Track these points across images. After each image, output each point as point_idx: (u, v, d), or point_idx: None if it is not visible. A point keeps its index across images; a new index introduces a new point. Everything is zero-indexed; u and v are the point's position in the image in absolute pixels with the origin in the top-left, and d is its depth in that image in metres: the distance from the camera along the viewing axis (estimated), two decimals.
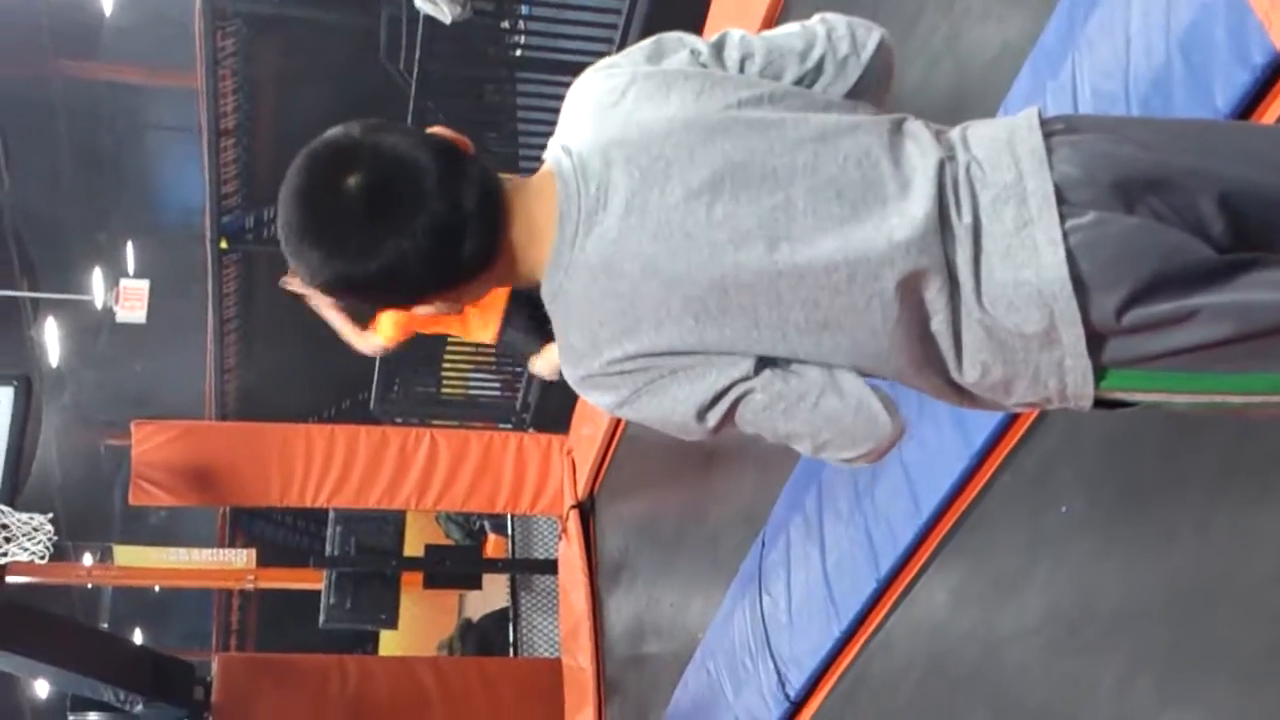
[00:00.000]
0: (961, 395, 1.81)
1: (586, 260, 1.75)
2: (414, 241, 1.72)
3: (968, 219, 1.72)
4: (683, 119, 1.78)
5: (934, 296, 1.71)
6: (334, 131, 1.77)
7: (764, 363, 1.74)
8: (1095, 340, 1.69)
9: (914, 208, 1.72)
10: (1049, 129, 1.77)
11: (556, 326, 1.81)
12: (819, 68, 1.88)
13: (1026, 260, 1.69)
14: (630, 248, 1.73)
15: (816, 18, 1.93)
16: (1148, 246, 1.67)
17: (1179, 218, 1.70)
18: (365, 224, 1.72)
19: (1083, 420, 3.69)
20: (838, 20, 1.91)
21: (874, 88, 1.90)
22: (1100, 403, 1.76)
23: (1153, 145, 1.77)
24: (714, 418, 1.77)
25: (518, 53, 10.93)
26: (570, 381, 1.84)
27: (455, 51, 10.09)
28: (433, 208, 1.72)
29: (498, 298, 6.85)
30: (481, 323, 7.09)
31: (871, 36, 1.90)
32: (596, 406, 1.86)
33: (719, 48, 1.89)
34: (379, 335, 7.28)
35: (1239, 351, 1.67)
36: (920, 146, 1.78)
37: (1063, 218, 1.69)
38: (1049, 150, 1.74)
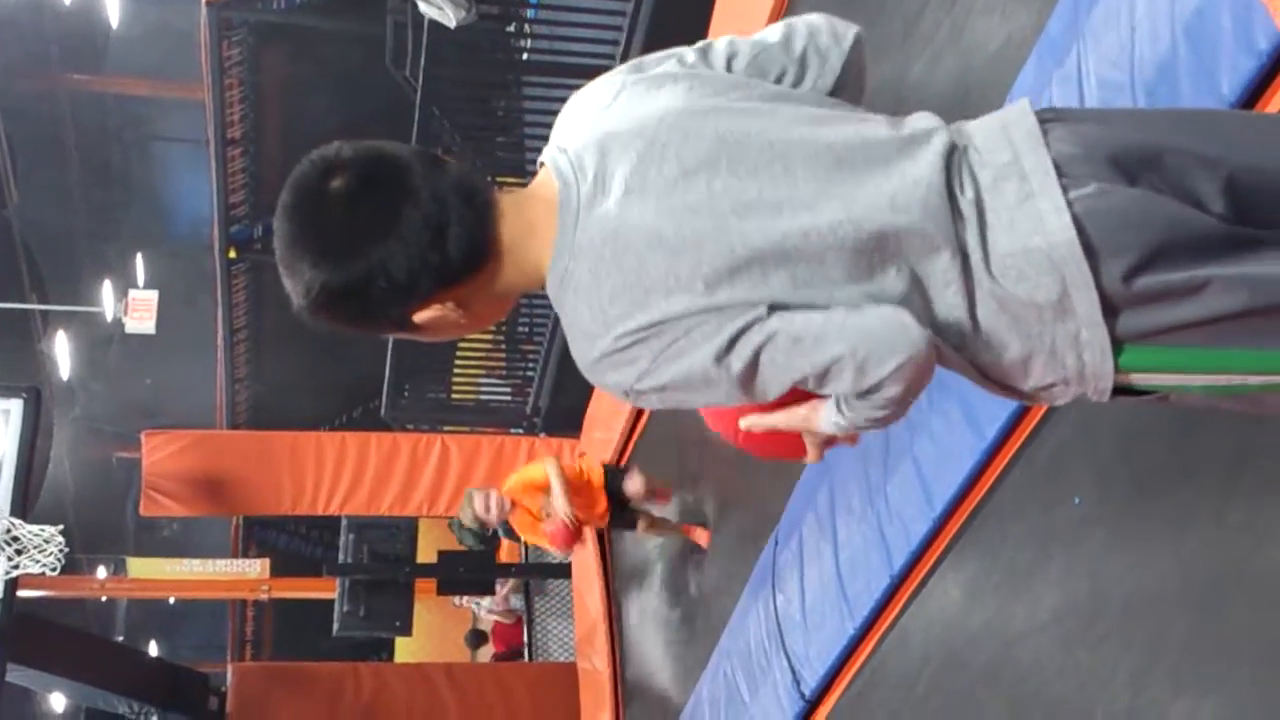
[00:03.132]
0: (983, 376, 1.80)
1: (590, 240, 1.73)
2: (399, 238, 1.71)
3: (970, 194, 1.72)
4: (675, 108, 1.80)
5: (945, 266, 1.70)
6: (321, 148, 1.78)
7: (778, 306, 1.70)
8: (1109, 311, 1.67)
9: (917, 169, 1.72)
10: (1042, 117, 1.78)
11: (567, 316, 1.78)
12: (803, 61, 1.91)
13: (1032, 229, 1.68)
14: (633, 222, 1.72)
15: (795, 18, 1.97)
16: (1153, 214, 1.66)
17: (1176, 194, 1.69)
18: (349, 223, 1.73)
19: (1094, 412, 3.68)
20: (815, 17, 1.96)
21: (851, 85, 1.93)
22: (1120, 391, 1.74)
23: (1148, 128, 1.78)
24: (736, 362, 1.69)
25: (523, 57, 10.94)
26: (586, 369, 1.80)
27: (461, 57, 10.10)
28: (416, 200, 1.72)
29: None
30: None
31: (849, 31, 1.95)
32: (615, 392, 1.80)
33: (705, 51, 1.92)
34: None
35: (1254, 326, 1.65)
36: (927, 122, 1.80)
37: (1064, 189, 1.68)
38: (1044, 133, 1.74)
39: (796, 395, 1.84)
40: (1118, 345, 1.69)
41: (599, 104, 1.86)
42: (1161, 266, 1.64)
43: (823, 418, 1.82)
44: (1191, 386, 1.73)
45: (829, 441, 1.95)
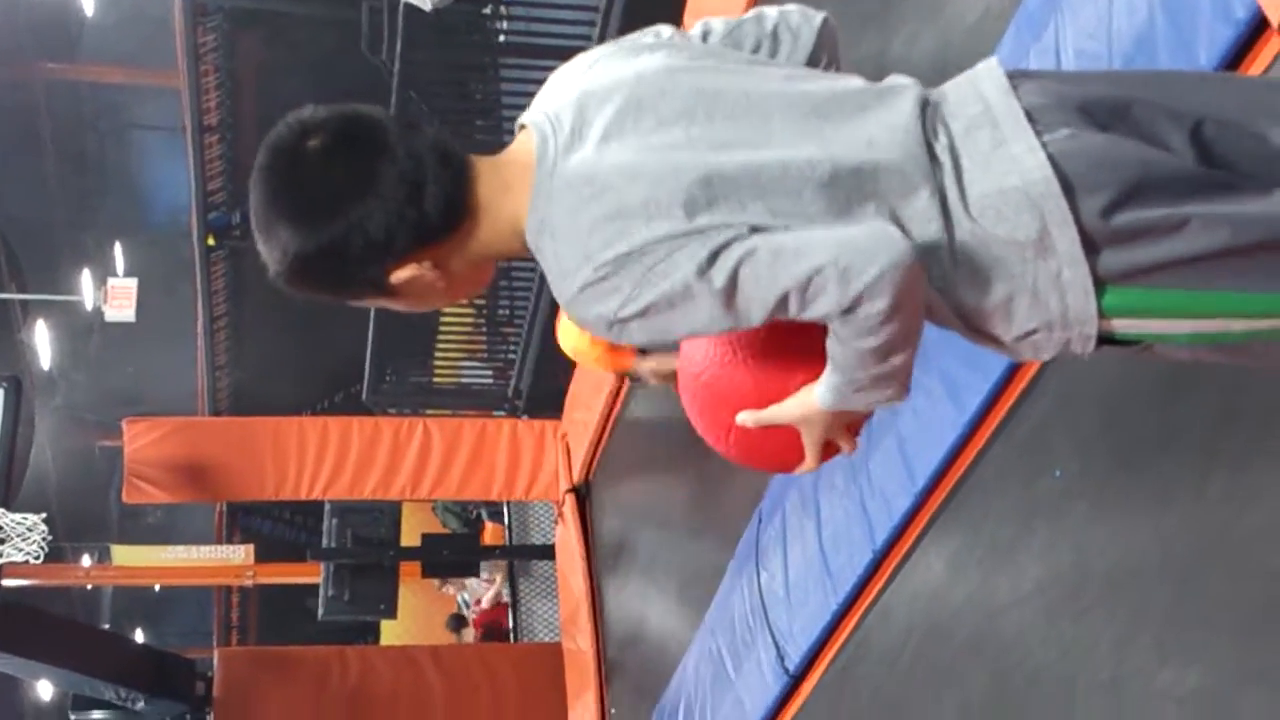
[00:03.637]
0: (967, 324, 1.80)
1: (567, 180, 1.74)
2: (377, 195, 1.72)
3: (944, 141, 1.74)
4: (652, 68, 1.83)
5: (925, 205, 1.71)
6: (296, 111, 1.79)
7: (759, 229, 1.70)
8: (1090, 249, 1.68)
9: (892, 116, 1.75)
10: (1010, 75, 1.80)
11: (547, 260, 1.78)
12: (775, 36, 1.95)
13: (1008, 169, 1.69)
14: (610, 160, 1.73)
15: (766, 6, 2.02)
16: (1127, 155, 1.68)
17: (1146, 142, 1.71)
18: (326, 181, 1.73)
19: (1074, 384, 3.69)
20: (788, 4, 2.01)
21: (825, 63, 1.97)
22: (1105, 342, 1.75)
23: (1115, 85, 1.81)
24: (718, 276, 1.67)
25: (500, 39, 10.92)
26: (568, 305, 1.78)
27: (437, 40, 10.08)
28: (392, 158, 1.73)
29: None
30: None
31: (818, 15, 1.99)
32: (599, 326, 1.78)
33: (680, 31, 1.95)
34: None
35: (1236, 266, 1.66)
36: (899, 80, 1.83)
37: (1038, 134, 1.70)
38: (1014, 87, 1.77)
39: (786, 381, 1.83)
40: (1100, 286, 1.69)
41: (578, 71, 1.88)
42: (1140, 203, 1.65)
43: (819, 390, 1.81)
44: (1176, 336, 1.73)
45: (828, 448, 1.93)
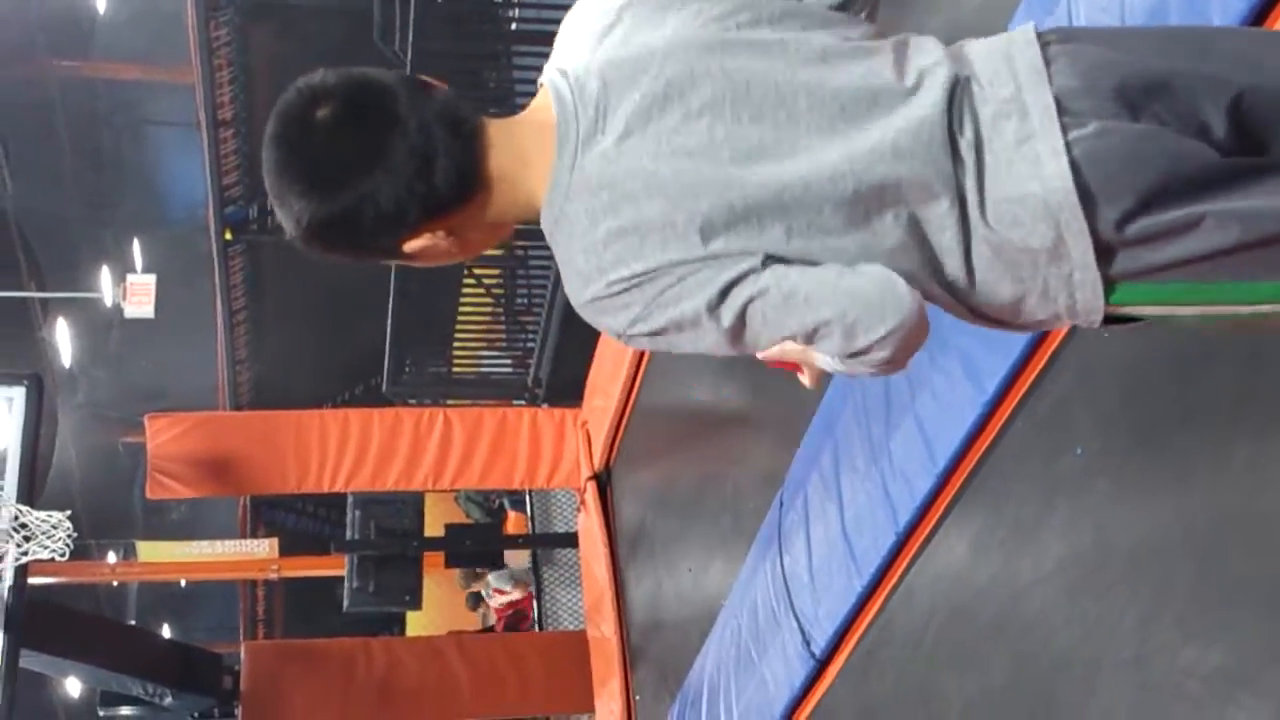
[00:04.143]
0: (974, 314, 1.80)
1: (586, 181, 1.73)
2: (386, 169, 1.70)
3: (970, 134, 1.71)
4: (681, 39, 1.77)
5: (943, 213, 1.70)
6: (306, 76, 1.77)
7: (773, 258, 1.70)
8: (1103, 253, 1.67)
9: (920, 110, 1.72)
10: (1045, 40, 1.77)
11: (561, 255, 1.77)
12: None
13: (1030, 173, 1.67)
14: (631, 166, 1.72)
15: None
16: (1153, 153, 1.66)
17: (1182, 123, 1.69)
18: (335, 154, 1.72)
19: (1093, 361, 3.68)
20: None
21: (859, 2, 1.91)
22: (1109, 320, 1.74)
23: (1151, 51, 1.77)
24: (727, 315, 1.70)
25: (512, 27, 10.89)
26: (578, 306, 1.79)
27: (449, 30, 10.06)
28: (403, 130, 1.71)
29: None
30: None
31: None
32: (608, 332, 1.80)
33: None
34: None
35: (1245, 260, 1.65)
36: (931, 57, 1.78)
37: (1065, 129, 1.68)
38: (1047, 62, 1.73)
39: None
40: (1110, 284, 1.69)
41: (603, 22, 1.83)
42: (1157, 208, 1.64)
43: (818, 356, 1.81)
44: (1183, 316, 1.73)
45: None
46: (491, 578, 14.37)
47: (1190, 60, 1.73)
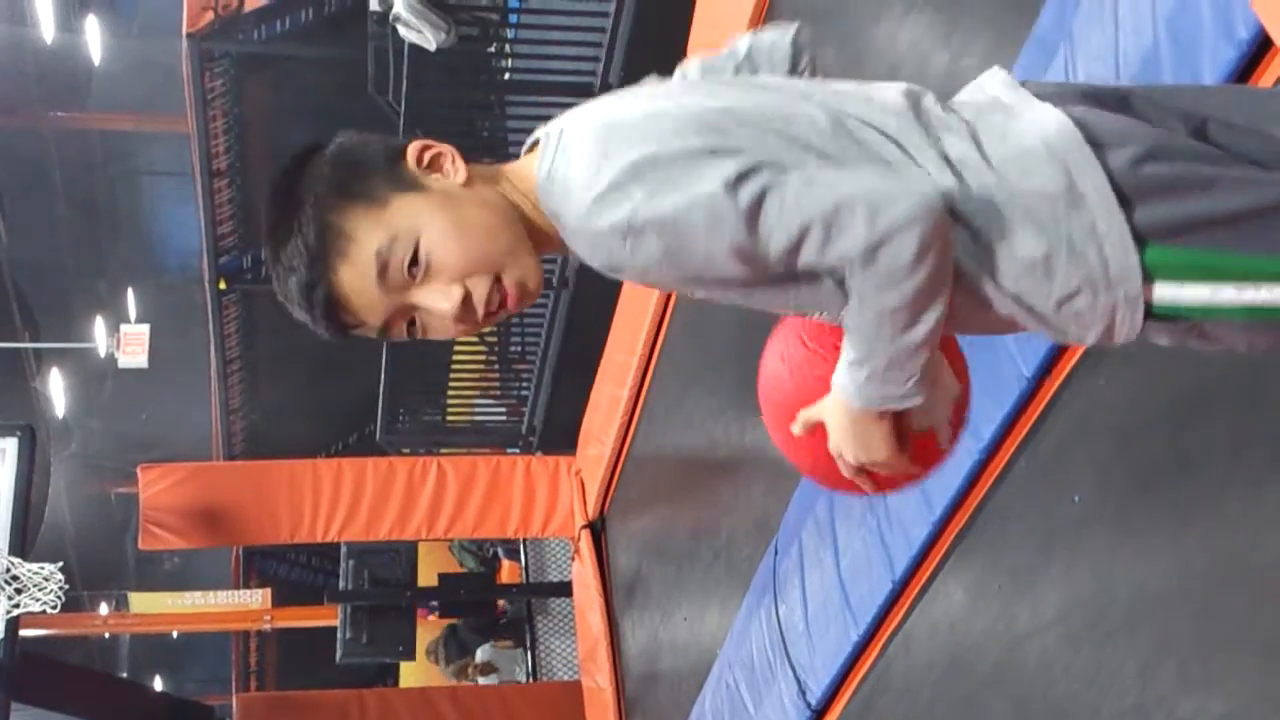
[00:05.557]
0: (1000, 295, 1.69)
1: (583, 124, 1.72)
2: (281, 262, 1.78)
3: (954, 121, 1.72)
4: (678, 88, 1.86)
5: (937, 160, 1.68)
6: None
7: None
8: (1121, 200, 1.63)
9: (888, 98, 1.75)
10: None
11: (558, 196, 1.71)
12: (750, 57, 1.95)
13: (1026, 130, 1.67)
14: (630, 104, 1.75)
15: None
16: (1144, 128, 1.67)
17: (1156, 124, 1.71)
18: (269, 227, 1.81)
19: (1090, 408, 3.67)
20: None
21: (806, 68, 1.96)
22: (1154, 316, 1.67)
23: (1119, 87, 1.80)
24: (746, 196, 1.59)
25: (505, 77, 10.94)
26: (583, 220, 1.67)
27: (442, 79, 10.11)
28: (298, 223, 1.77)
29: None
30: None
31: (791, 25, 1.99)
32: (614, 239, 1.66)
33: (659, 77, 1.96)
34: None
35: (1271, 224, 1.61)
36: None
37: (1052, 104, 1.70)
38: (1019, 84, 1.77)
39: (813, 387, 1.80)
40: (1140, 243, 1.63)
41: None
42: (1164, 158, 1.63)
43: (836, 375, 1.73)
44: (1229, 309, 1.65)
45: (863, 473, 1.82)
46: (479, 655, 14.13)
47: (1154, 93, 1.76)
